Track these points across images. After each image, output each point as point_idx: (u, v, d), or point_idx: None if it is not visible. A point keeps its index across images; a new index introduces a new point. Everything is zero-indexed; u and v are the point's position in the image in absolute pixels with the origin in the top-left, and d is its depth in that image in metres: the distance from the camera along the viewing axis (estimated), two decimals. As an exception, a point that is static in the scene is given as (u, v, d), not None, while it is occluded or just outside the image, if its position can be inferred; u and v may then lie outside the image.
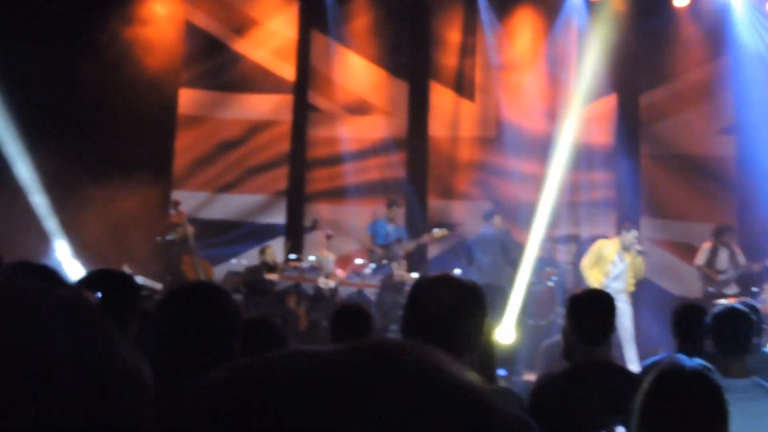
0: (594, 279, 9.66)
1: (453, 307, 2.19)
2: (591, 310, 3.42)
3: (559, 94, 11.29)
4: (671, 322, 4.48)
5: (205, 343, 2.21)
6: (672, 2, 11.31)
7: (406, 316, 2.26)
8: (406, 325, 2.23)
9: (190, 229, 9.91)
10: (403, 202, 10.80)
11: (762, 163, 11.25)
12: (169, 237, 10.19)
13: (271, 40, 11.43)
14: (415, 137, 11.41)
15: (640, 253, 9.42)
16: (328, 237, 10.69)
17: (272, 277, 10.01)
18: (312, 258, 10.61)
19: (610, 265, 9.77)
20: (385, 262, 10.38)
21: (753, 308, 4.19)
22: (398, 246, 10.55)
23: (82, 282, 2.69)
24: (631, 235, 9.40)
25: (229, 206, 11.08)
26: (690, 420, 2.13)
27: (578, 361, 3.37)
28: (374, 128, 11.47)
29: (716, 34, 11.23)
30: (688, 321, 4.40)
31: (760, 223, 11.14)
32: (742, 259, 10.47)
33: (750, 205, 11.30)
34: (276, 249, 10.39)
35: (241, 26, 11.29)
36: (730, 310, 3.62)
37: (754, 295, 10.19)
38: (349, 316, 4.16)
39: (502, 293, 10.11)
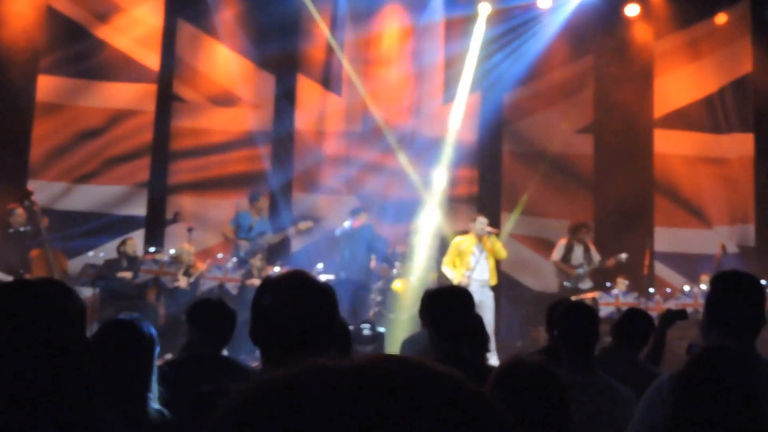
0: (458, 274, 10.14)
1: (301, 307, 2.20)
2: (448, 307, 3.53)
3: (424, 91, 11.82)
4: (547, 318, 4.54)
5: (32, 341, 2.04)
6: (536, 3, 11.99)
7: (253, 317, 2.26)
8: (254, 327, 2.25)
9: (44, 221, 10.07)
10: (267, 195, 11.16)
11: (617, 162, 12.04)
12: (21, 228, 10.29)
13: (136, 28, 11.76)
14: (280, 130, 11.82)
15: (490, 234, 9.95)
16: (190, 230, 11.06)
17: (125, 275, 10.22)
18: (172, 251, 10.86)
19: (470, 257, 10.26)
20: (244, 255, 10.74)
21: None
22: (262, 239, 10.92)
23: None
24: (480, 222, 9.95)
25: (88, 197, 11.37)
26: (530, 411, 2.22)
27: (441, 356, 3.46)
28: (240, 120, 11.90)
29: (578, 34, 11.94)
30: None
31: (614, 220, 11.92)
32: (596, 255, 11.19)
33: (605, 203, 12.08)
34: (137, 242, 10.61)
35: (105, 12, 11.63)
36: (576, 305, 3.83)
37: (607, 290, 10.93)
38: (209, 309, 4.17)
39: (365, 288, 10.53)
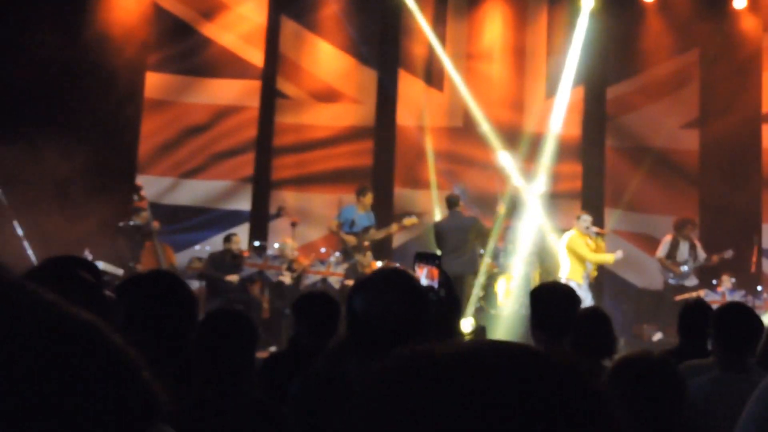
0: (576, 270, 10.90)
1: (391, 309, 2.34)
2: (553, 304, 3.80)
3: (527, 85, 12.37)
4: (679, 320, 4.86)
5: (160, 331, 2.40)
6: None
7: (347, 320, 2.43)
8: (348, 330, 2.41)
9: (155, 223, 10.80)
10: (372, 190, 11.77)
11: (724, 158, 12.41)
12: (131, 222, 11.03)
13: (240, 25, 12.61)
14: (382, 126, 12.63)
15: (598, 234, 10.42)
16: (293, 224, 11.77)
17: (232, 278, 10.81)
18: (276, 246, 11.53)
19: (587, 253, 10.74)
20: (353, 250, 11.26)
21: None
22: (367, 234, 11.42)
23: (42, 267, 2.68)
24: (584, 220, 10.41)
25: (193, 192, 12.25)
26: (647, 404, 2.46)
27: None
28: (342, 116, 12.69)
29: (683, 28, 12.35)
30: (693, 318, 4.81)
31: (720, 217, 12.28)
32: (702, 252, 11.55)
33: (711, 199, 12.46)
34: (241, 237, 11.34)
35: (210, 10, 12.54)
36: (734, 307, 4.10)
37: (713, 287, 11.34)
38: (314, 303, 4.37)
39: (468, 282, 10.80)
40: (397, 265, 11.12)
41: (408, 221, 11.75)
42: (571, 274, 10.76)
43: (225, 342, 2.97)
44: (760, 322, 3.99)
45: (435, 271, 2.89)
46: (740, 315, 3.96)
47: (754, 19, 13.19)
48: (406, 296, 2.40)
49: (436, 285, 2.90)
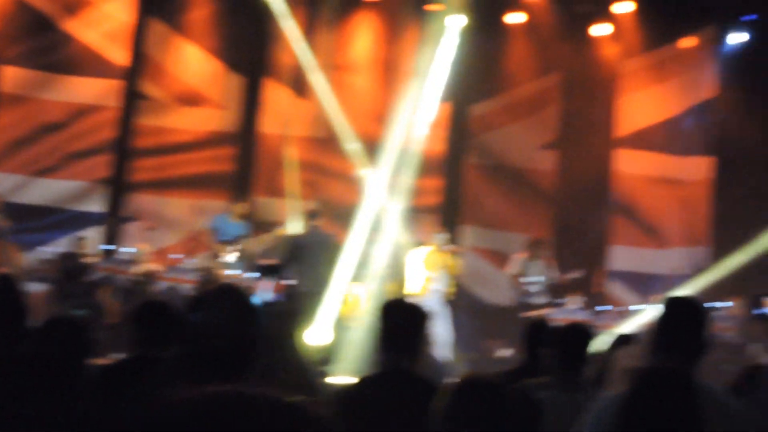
0: (416, 285, 11.37)
1: (225, 325, 2.50)
2: (400, 320, 3.84)
3: (394, 99, 12.77)
4: (522, 337, 5.01)
5: None
6: (506, 19, 12.94)
7: (187, 334, 2.59)
8: (188, 344, 2.56)
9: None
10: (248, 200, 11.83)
11: (579, 180, 13.04)
12: None
13: (105, 23, 12.85)
14: (245, 132, 12.80)
15: (453, 253, 10.75)
16: (150, 229, 11.76)
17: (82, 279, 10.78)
18: (128, 250, 11.56)
19: (433, 269, 11.02)
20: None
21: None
22: (240, 244, 11.45)
23: None
24: (441, 238, 10.76)
25: (45, 191, 12.39)
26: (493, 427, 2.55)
27: (383, 369, 3.81)
28: (205, 121, 12.94)
29: (546, 52, 12.93)
30: (536, 336, 4.97)
31: (572, 237, 12.90)
32: (552, 270, 12.08)
33: (565, 219, 13.07)
34: (94, 239, 11.37)
35: (73, 6, 12.84)
36: (573, 327, 4.36)
37: (560, 306, 11.93)
38: (152, 311, 4.43)
39: (320, 297, 10.91)
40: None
41: (280, 231, 11.87)
42: (420, 289, 11.15)
43: (58, 350, 3.10)
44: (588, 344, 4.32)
45: (279, 285, 3.17)
46: (580, 335, 4.26)
47: (614, 46, 13.92)
48: (238, 312, 2.54)
49: (279, 298, 3.11)
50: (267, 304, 2.98)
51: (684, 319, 3.37)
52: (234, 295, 2.66)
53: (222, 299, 2.63)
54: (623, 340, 5.14)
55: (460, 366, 11.81)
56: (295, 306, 3.13)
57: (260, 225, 12.42)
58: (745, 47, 13.60)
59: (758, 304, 3.39)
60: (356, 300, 12.19)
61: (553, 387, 4.07)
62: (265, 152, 13.48)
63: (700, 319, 3.39)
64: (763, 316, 3.42)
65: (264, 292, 11.33)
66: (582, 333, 4.32)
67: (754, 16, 13.45)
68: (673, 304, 3.49)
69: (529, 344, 5.02)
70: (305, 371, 3.73)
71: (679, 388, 2.69)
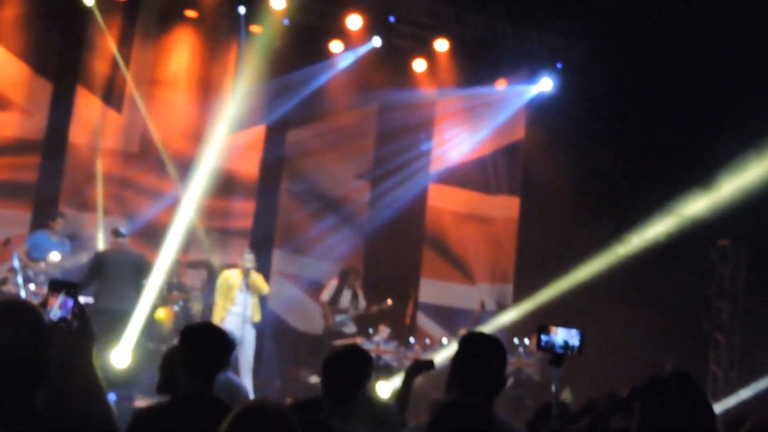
0: (220, 308, 11.23)
1: (12, 348, 2.44)
2: (200, 343, 4.05)
3: (208, 118, 13.01)
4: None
5: None
6: (328, 46, 13.53)
7: None
8: None
9: None
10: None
11: (392, 210, 13.74)
12: None
13: None
14: (52, 141, 12.70)
15: (250, 269, 10.98)
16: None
17: None
18: None
19: (237, 291, 11.26)
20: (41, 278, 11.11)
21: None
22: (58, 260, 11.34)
23: None
24: (247, 260, 11.02)
25: None
26: None
27: (182, 393, 3.97)
28: (9, 125, 12.80)
29: (366, 82, 13.57)
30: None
31: (384, 267, 13.53)
32: (363, 300, 12.60)
33: (377, 249, 13.70)
34: None
35: None
36: (338, 353, 4.36)
37: (369, 336, 12.45)
38: None
39: (126, 318, 10.93)
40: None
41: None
42: (218, 310, 11.35)
43: None
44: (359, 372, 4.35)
45: (70, 302, 2.91)
46: (344, 362, 4.28)
47: (431, 82, 14.86)
48: (20, 330, 2.46)
49: (69, 316, 2.93)
50: (58, 323, 2.86)
51: (480, 355, 3.59)
52: (16, 311, 2.55)
53: (6, 316, 2.51)
54: (420, 367, 5.40)
55: (265, 391, 12.16)
56: (90, 326, 3.03)
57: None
58: (551, 93, 14.85)
59: (546, 333, 3.69)
60: (162, 319, 12.30)
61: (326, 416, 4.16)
62: (73, 163, 13.41)
63: (495, 356, 3.62)
64: (547, 346, 3.72)
65: (56, 310, 11.24)
66: (348, 358, 4.35)
67: (559, 65, 14.73)
68: (469, 341, 3.70)
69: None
70: (100, 397, 3.40)
71: (478, 423, 2.85)
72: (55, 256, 11.81)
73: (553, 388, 4.31)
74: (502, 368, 3.62)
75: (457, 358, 3.61)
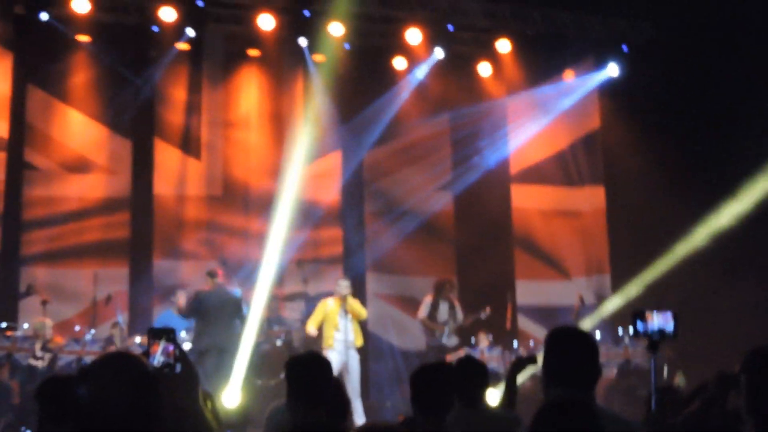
0: (327, 336, 11.91)
1: (120, 395, 2.53)
2: (308, 374, 4.16)
3: (284, 152, 13.40)
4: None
5: None
6: (392, 64, 13.79)
7: (76, 410, 2.61)
8: (78, 420, 2.58)
9: None
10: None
11: (477, 217, 13.89)
12: None
13: None
14: (139, 196, 13.45)
15: (347, 295, 11.30)
16: (44, 303, 12.01)
17: None
18: (26, 326, 11.73)
19: (338, 318, 11.54)
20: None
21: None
22: None
23: None
24: (342, 286, 11.33)
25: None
26: None
27: (299, 425, 4.01)
28: (96, 187, 13.49)
29: (434, 93, 13.77)
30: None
31: (477, 276, 13.67)
32: (460, 311, 12.77)
33: (468, 258, 13.86)
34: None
35: None
36: (424, 367, 4.48)
37: (472, 346, 12.60)
38: (56, 388, 4.37)
39: (230, 355, 11.35)
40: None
41: None
42: (324, 340, 11.64)
43: None
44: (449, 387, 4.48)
45: (171, 347, 3.12)
46: (432, 378, 4.41)
47: (499, 84, 15.00)
48: (126, 381, 2.55)
49: (171, 361, 3.13)
50: (162, 369, 2.95)
51: (569, 350, 3.55)
52: (120, 363, 2.64)
53: (107, 369, 2.61)
54: (523, 363, 5.39)
55: (377, 413, 12.43)
56: (194, 368, 3.13)
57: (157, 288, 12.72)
58: (621, 78, 14.82)
59: (641, 319, 3.70)
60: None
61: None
62: (160, 214, 13.93)
63: (589, 348, 3.58)
64: (642, 333, 3.74)
65: (158, 357, 11.69)
66: (435, 374, 4.46)
67: (625, 48, 14.71)
68: (554, 337, 3.67)
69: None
70: None
71: (582, 419, 2.87)
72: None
73: (652, 374, 4.38)
74: (593, 358, 3.58)
75: (546, 357, 3.61)
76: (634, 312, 4.11)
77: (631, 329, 4.17)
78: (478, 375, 5.00)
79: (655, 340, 4.08)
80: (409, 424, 4.57)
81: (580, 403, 2.97)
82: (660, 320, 4.05)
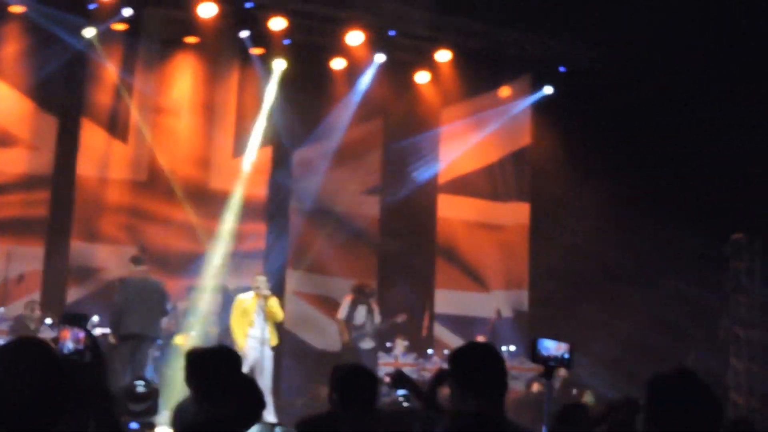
0: (240, 333, 11.89)
1: (23, 379, 2.47)
2: (214, 369, 4.13)
3: (213, 142, 13.41)
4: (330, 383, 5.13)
5: None
6: (330, 64, 13.90)
7: None
8: None
9: None
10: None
11: (402, 224, 14.11)
12: None
13: None
14: (61, 175, 13.06)
15: (266, 296, 11.34)
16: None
17: None
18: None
19: (254, 315, 11.61)
20: None
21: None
22: None
23: None
24: (260, 281, 11.37)
25: None
26: None
27: (204, 420, 4.04)
28: (16, 162, 13.21)
29: (370, 97, 13.95)
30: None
31: (397, 281, 13.88)
32: (378, 315, 12.94)
33: (390, 263, 14.06)
34: None
35: None
36: (355, 370, 4.78)
37: (388, 350, 12.79)
38: None
39: (150, 343, 11.44)
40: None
41: None
42: (238, 336, 11.69)
43: None
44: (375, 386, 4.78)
45: (81, 334, 3.06)
46: (362, 378, 4.72)
47: (435, 93, 15.26)
48: (35, 367, 2.52)
49: (82, 348, 3.07)
50: (71, 356, 2.93)
51: (482, 363, 3.69)
52: (28, 349, 2.58)
53: (13, 354, 2.57)
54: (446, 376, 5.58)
55: (287, 411, 12.53)
56: (104, 357, 3.10)
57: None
58: (556, 98, 15.20)
59: (538, 346, 3.82)
60: (181, 344, 12.62)
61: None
62: (82, 195, 13.83)
63: (499, 362, 3.74)
64: (539, 359, 3.92)
65: (68, 343, 11.68)
66: (365, 374, 4.71)
67: (563, 69, 15.09)
68: (472, 352, 3.86)
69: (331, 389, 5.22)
70: (118, 427, 3.58)
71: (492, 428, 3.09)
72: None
73: (545, 402, 4.58)
74: (501, 372, 3.72)
75: (464, 370, 3.73)
76: (533, 339, 4.34)
77: (531, 354, 4.35)
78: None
79: (551, 367, 4.27)
80: (313, 423, 4.75)
81: (492, 417, 3.17)
82: (555, 349, 4.26)
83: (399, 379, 5.45)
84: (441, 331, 15.07)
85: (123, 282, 11.79)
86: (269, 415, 11.58)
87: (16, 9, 13.46)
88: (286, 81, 14.57)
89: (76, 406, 2.84)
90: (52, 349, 2.76)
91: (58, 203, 13.84)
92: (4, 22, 13.54)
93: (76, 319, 3.14)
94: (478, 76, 15.14)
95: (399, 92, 15.22)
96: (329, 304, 14.25)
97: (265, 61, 14.57)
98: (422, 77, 15.39)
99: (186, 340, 12.86)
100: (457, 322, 15.06)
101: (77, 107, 14.11)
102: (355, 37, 14.53)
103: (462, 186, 15.64)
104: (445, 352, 14.10)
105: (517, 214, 15.68)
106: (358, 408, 4.46)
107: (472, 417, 3.13)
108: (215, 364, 4.15)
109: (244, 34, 14.22)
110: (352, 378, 4.63)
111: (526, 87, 15.53)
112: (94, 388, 3.13)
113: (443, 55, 15.05)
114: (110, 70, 13.95)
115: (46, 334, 12.29)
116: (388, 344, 13.73)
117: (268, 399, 12.05)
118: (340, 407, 4.52)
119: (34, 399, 2.46)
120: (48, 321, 12.42)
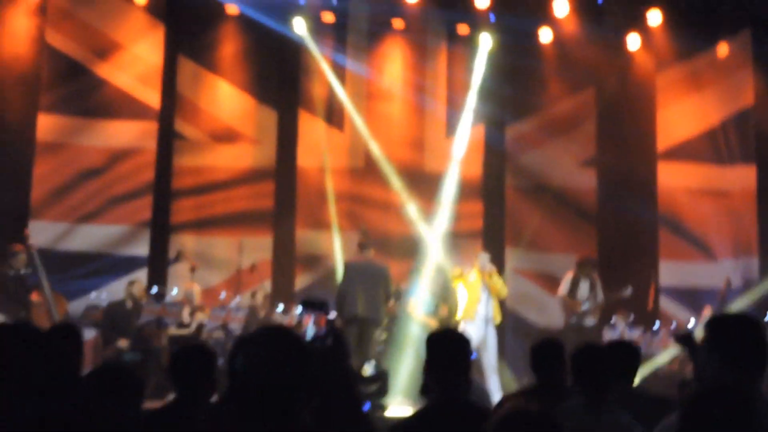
0: (467, 309, 12.24)
1: (274, 368, 2.58)
2: (446, 350, 4.13)
3: (426, 125, 13.72)
4: (530, 359, 5.28)
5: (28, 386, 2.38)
6: (538, 38, 13.89)
7: (229, 379, 2.65)
8: (231, 389, 2.63)
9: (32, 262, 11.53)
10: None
11: (621, 195, 13.92)
12: (22, 271, 11.62)
13: (136, 65, 14.00)
14: (283, 167, 13.79)
15: (490, 272, 11.58)
16: (193, 269, 12.71)
17: (123, 344, 11.58)
18: (175, 292, 12.50)
19: (479, 292, 11.90)
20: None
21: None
22: None
23: None
24: (482, 257, 11.62)
25: (89, 237, 13.50)
26: None
27: (433, 401, 4.07)
28: (242, 157, 14.03)
29: (580, 67, 13.83)
30: (548, 357, 5.27)
31: (618, 254, 13.74)
32: (601, 290, 12.90)
33: (609, 236, 13.92)
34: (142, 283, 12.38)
35: (105, 50, 13.87)
36: (587, 347, 4.64)
37: (612, 326, 12.73)
38: (189, 358, 4.55)
39: (375, 326, 11.89)
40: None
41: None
42: (465, 313, 11.98)
43: (109, 399, 3.44)
44: (616, 361, 4.75)
45: (323, 319, 3.49)
46: (595, 355, 4.62)
47: (648, 58, 14.91)
48: (281, 353, 2.62)
49: (323, 333, 3.49)
50: (313, 342, 3.10)
51: (742, 335, 3.48)
52: (276, 335, 2.70)
53: (263, 340, 2.68)
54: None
55: (512, 390, 12.71)
56: (345, 342, 3.25)
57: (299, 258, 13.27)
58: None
59: None
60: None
61: (579, 408, 4.42)
62: (303, 185, 14.51)
63: (759, 335, 3.50)
64: None
65: (310, 329, 12.35)
66: (597, 351, 4.67)
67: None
68: (720, 323, 3.64)
69: (538, 365, 5.29)
70: (359, 411, 3.86)
71: (738, 408, 2.80)
72: None
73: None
74: (765, 345, 3.52)
75: (712, 341, 3.54)
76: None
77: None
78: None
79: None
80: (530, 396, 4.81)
81: (741, 391, 2.92)
82: None
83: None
84: (667, 304, 14.76)
85: (346, 266, 12.24)
86: (496, 395, 11.77)
87: (232, 10, 14.32)
88: (493, 57, 14.75)
89: (322, 392, 3.17)
90: (300, 337, 2.89)
91: (282, 194, 14.60)
92: (223, 23, 14.43)
93: (317, 305, 3.33)
94: (693, 35, 14.65)
95: (610, 59, 15.02)
96: (550, 281, 14.37)
97: (472, 39, 14.78)
98: (634, 42, 15.09)
99: (430, 320, 13.13)
100: (684, 294, 14.70)
101: (294, 99, 14.82)
102: (561, 7, 14.45)
103: (683, 152, 15.21)
104: (673, 325, 13.89)
105: (742, 178, 15.07)
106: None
107: (729, 392, 2.90)
108: (445, 347, 4.18)
109: (448, 14, 14.50)
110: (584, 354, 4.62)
111: (745, 43, 14.92)
112: (338, 373, 3.44)
113: (654, 17, 14.72)
114: (322, 60, 14.64)
115: (279, 320, 13.09)
116: (612, 319, 13.59)
117: (493, 377, 12.31)
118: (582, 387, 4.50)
119: (286, 387, 2.56)
120: (280, 308, 13.19)
